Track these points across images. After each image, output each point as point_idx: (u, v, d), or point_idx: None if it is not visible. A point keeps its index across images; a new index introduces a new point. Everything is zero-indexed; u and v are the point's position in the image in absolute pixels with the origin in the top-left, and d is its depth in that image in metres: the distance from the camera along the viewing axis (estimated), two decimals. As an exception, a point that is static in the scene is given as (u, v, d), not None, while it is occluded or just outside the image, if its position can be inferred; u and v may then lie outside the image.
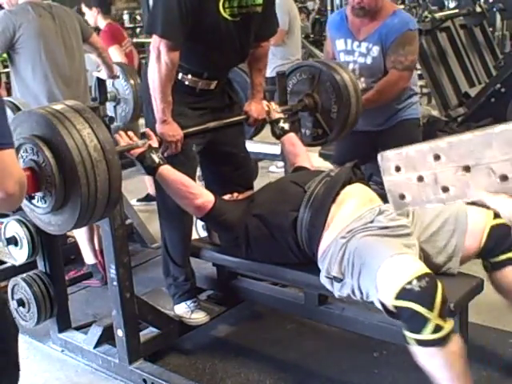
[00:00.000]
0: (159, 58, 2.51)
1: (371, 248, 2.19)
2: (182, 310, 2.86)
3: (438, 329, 1.96)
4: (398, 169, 1.63)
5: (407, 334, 2.02)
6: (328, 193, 2.43)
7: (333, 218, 2.37)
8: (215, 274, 3.12)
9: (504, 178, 1.41)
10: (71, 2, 7.45)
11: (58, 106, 2.12)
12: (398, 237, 2.25)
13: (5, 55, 3.69)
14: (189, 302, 2.87)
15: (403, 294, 1.98)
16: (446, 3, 7.97)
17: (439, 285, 1.99)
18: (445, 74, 5.47)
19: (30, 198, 2.14)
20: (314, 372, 2.71)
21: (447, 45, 5.61)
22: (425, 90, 6.84)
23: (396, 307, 2.01)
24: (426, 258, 2.28)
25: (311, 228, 2.39)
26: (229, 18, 2.54)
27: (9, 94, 4.45)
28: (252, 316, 3.21)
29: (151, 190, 4.75)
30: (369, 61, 3.36)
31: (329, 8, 11.68)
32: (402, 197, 1.62)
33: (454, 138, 1.51)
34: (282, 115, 3.00)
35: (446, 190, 1.55)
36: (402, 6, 8.61)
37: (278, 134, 2.96)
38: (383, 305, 2.07)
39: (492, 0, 5.93)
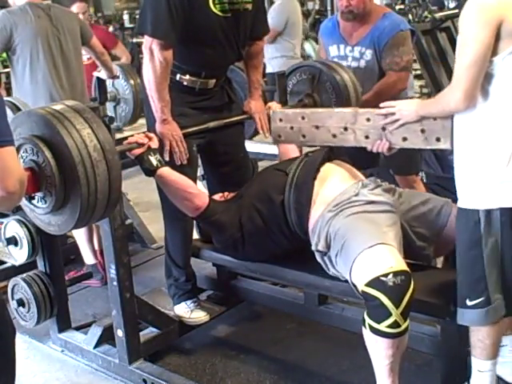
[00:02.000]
0: (152, 57, 2.51)
1: (354, 230, 2.22)
2: (182, 309, 2.86)
3: (395, 325, 2.03)
4: (280, 120, 2.76)
5: (366, 318, 2.08)
6: (309, 170, 2.48)
7: (317, 194, 2.42)
8: (215, 274, 3.12)
9: (334, 135, 2.58)
10: (71, 2, 7.46)
11: (58, 107, 2.12)
12: (382, 213, 2.28)
13: (4, 55, 3.70)
14: (188, 302, 2.87)
15: (376, 283, 2.03)
16: (445, 3, 7.98)
17: (411, 286, 2.04)
18: (445, 74, 5.47)
19: (30, 198, 2.14)
20: (314, 372, 2.71)
21: (447, 45, 5.62)
22: (425, 90, 6.84)
23: (364, 293, 2.07)
24: (406, 237, 2.32)
25: (298, 206, 2.42)
26: (220, 13, 2.56)
27: (9, 94, 4.45)
28: (252, 316, 3.21)
29: None
30: (362, 65, 3.38)
31: (329, 8, 11.69)
32: (279, 136, 2.78)
33: (313, 110, 2.74)
34: None
35: (304, 136, 2.69)
36: (402, 6, 8.61)
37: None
38: (355, 286, 2.14)
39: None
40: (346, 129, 2.52)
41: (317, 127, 2.61)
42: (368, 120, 2.47)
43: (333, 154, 2.59)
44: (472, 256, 2.08)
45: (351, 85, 3.14)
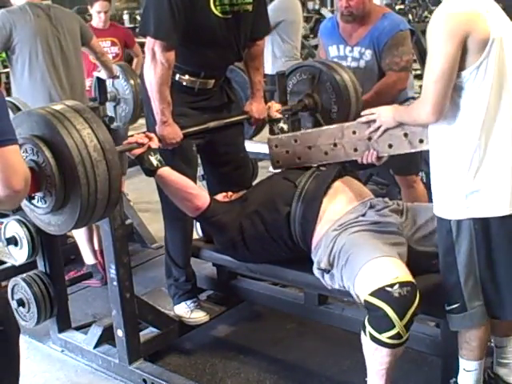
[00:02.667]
0: (155, 58, 2.50)
1: (360, 245, 2.21)
2: (182, 309, 2.86)
3: (397, 337, 2.01)
4: (276, 146, 2.81)
5: (367, 325, 2.07)
6: (319, 186, 2.46)
7: (324, 212, 2.40)
8: (215, 274, 3.12)
9: (326, 153, 2.64)
10: (71, 2, 7.46)
11: (58, 106, 2.12)
12: (387, 233, 2.28)
13: (4, 55, 3.70)
14: (188, 302, 2.87)
15: (381, 293, 2.01)
16: (445, 3, 7.93)
17: (417, 298, 2.02)
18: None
19: (30, 198, 2.14)
20: (314, 372, 2.71)
21: (447, 45, 5.59)
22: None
23: (367, 302, 2.05)
24: (416, 257, 2.30)
25: (304, 222, 2.41)
26: (220, 15, 2.55)
27: (8, 94, 4.45)
28: (252, 316, 3.21)
29: None
30: (362, 65, 3.38)
31: (329, 8, 11.69)
32: (278, 162, 2.83)
33: (303, 131, 2.87)
34: (281, 116, 3.01)
35: (299, 158, 2.75)
36: (402, 6, 8.62)
37: (277, 134, 2.96)
38: (358, 297, 2.13)
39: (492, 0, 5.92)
40: (335, 145, 2.60)
41: (309, 147, 2.70)
42: (354, 133, 2.53)
43: (344, 170, 2.58)
44: (448, 262, 2.11)
45: (351, 85, 3.14)
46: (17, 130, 2.06)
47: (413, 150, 2.42)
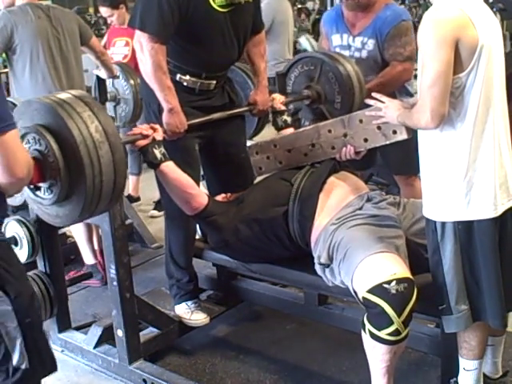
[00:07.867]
0: (142, 49, 2.50)
1: (357, 240, 2.21)
2: (183, 310, 2.86)
3: (396, 333, 2.02)
4: (257, 153, 2.84)
5: (366, 323, 2.07)
6: (315, 182, 2.48)
7: (322, 207, 2.41)
8: (215, 274, 3.12)
9: (305, 154, 2.69)
10: (70, 2, 7.46)
11: (57, 94, 2.11)
12: (385, 227, 2.28)
13: (4, 55, 3.70)
14: (189, 303, 2.86)
15: (378, 290, 2.02)
16: (445, 3, 7.94)
17: (414, 294, 2.03)
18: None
19: (36, 189, 2.12)
20: (314, 372, 2.71)
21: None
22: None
23: (365, 299, 2.05)
24: (416, 249, 2.31)
25: (302, 218, 2.42)
26: (219, 8, 2.55)
27: (8, 94, 4.45)
28: (252, 316, 3.21)
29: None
30: (364, 55, 3.35)
31: (328, 8, 11.68)
32: (260, 168, 2.85)
33: (281, 136, 2.84)
34: (285, 108, 3.00)
35: (280, 162, 2.78)
36: (402, 6, 8.60)
37: (280, 126, 2.96)
38: (356, 293, 2.13)
39: (492, 0, 5.93)
40: (313, 145, 2.66)
41: (289, 151, 2.74)
42: (330, 131, 2.59)
43: (339, 165, 2.59)
44: (435, 261, 2.12)
45: (354, 75, 3.09)
46: (18, 123, 2.06)
47: (388, 142, 2.44)
